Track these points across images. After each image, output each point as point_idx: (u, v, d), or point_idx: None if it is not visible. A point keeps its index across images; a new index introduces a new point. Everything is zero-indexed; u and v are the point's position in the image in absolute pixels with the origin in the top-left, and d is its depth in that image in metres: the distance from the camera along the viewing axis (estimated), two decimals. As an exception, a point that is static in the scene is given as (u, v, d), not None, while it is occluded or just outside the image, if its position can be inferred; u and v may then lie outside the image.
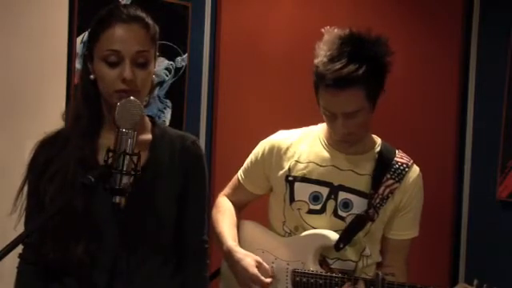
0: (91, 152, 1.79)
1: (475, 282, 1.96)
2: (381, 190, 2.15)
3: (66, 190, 1.72)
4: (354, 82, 1.99)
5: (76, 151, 1.77)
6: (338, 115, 2.04)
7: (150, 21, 1.79)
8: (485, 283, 1.95)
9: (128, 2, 2.96)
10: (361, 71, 1.97)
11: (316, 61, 2.04)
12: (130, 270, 1.79)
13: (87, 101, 1.80)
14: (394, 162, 2.19)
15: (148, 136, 1.86)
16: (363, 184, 2.17)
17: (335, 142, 2.19)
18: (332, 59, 1.99)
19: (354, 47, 2.00)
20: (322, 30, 2.10)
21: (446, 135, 3.73)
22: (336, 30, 2.08)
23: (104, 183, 1.61)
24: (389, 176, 2.16)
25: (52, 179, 1.77)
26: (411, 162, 2.22)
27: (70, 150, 1.78)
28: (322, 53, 2.03)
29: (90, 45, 1.78)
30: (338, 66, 1.97)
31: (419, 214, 2.25)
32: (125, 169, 1.61)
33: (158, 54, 1.83)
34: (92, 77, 1.78)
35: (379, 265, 2.24)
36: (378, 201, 2.14)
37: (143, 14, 1.79)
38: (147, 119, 1.89)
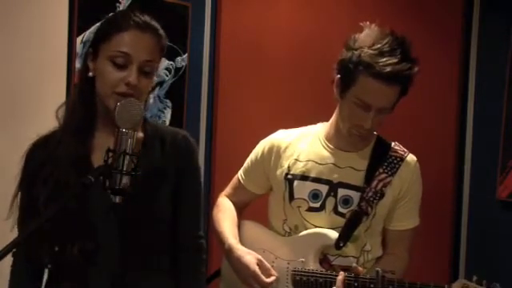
0: (84, 152, 1.79)
1: (474, 278, 1.96)
2: (373, 184, 2.16)
3: (60, 191, 1.72)
4: (402, 80, 2.04)
5: (68, 151, 1.77)
6: (372, 108, 2.05)
7: (162, 33, 1.80)
8: (484, 280, 1.95)
9: (128, 3, 2.96)
10: (413, 71, 2.05)
11: (356, 51, 2.04)
12: (128, 270, 1.79)
13: (82, 99, 1.80)
14: (388, 155, 2.20)
15: (139, 134, 1.85)
16: (360, 179, 2.18)
17: (337, 140, 2.19)
18: (382, 53, 2.01)
19: (403, 47, 2.05)
20: (361, 23, 2.12)
21: (445, 135, 3.74)
22: (377, 27, 2.10)
23: (104, 183, 1.62)
24: (381, 170, 2.18)
25: (45, 182, 1.76)
26: (406, 153, 2.23)
27: (62, 151, 1.77)
28: (365, 44, 2.04)
29: (96, 43, 1.77)
30: (393, 60, 2.00)
31: (419, 203, 2.27)
32: (125, 169, 1.61)
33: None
34: (91, 74, 1.78)
35: (380, 257, 2.25)
36: (370, 194, 2.15)
37: (158, 25, 1.80)
38: None
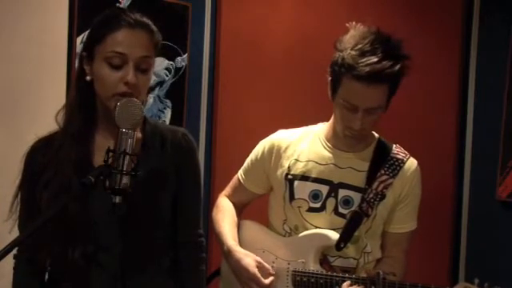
0: (85, 154, 1.79)
1: (476, 280, 1.96)
2: (374, 186, 2.16)
3: (62, 194, 1.71)
4: (385, 79, 2.01)
5: (70, 155, 1.77)
6: (360, 109, 2.04)
7: (154, 28, 1.80)
8: (486, 282, 1.95)
9: (128, 3, 2.96)
10: (395, 68, 2.01)
11: (341, 53, 2.04)
12: (129, 269, 1.79)
13: (81, 103, 1.79)
14: (389, 157, 2.20)
15: (138, 134, 1.85)
16: (361, 180, 2.17)
17: (337, 140, 2.19)
18: (363, 53, 2.00)
19: (386, 45, 2.02)
20: (347, 24, 2.11)
21: (446, 135, 3.73)
22: (362, 27, 2.08)
23: (104, 183, 1.61)
24: (383, 172, 2.17)
25: (47, 185, 1.76)
26: (407, 156, 2.23)
27: (64, 154, 1.77)
28: (348, 46, 2.03)
29: (91, 45, 1.77)
30: (373, 59, 1.98)
31: (418, 207, 2.27)
32: (125, 169, 1.61)
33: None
34: (88, 78, 1.77)
35: (378, 260, 2.25)
36: (371, 196, 2.15)
37: (149, 21, 1.80)
38: None
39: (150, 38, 1.78)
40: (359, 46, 2.01)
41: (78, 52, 2.78)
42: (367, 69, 1.97)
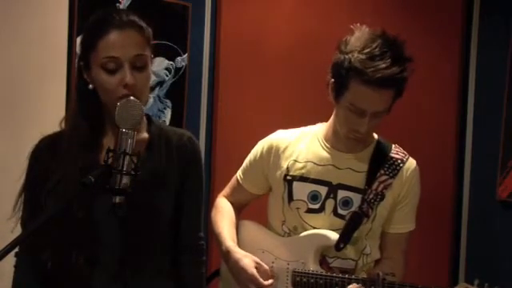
0: (93, 161, 1.78)
1: (476, 281, 1.96)
2: (374, 186, 2.15)
3: (67, 198, 1.72)
4: (395, 83, 2.02)
5: (77, 161, 1.76)
6: (367, 113, 2.04)
7: (143, 23, 1.79)
8: (486, 283, 1.95)
9: (128, 3, 2.96)
10: (405, 74, 2.02)
11: (347, 56, 2.03)
12: (129, 270, 1.79)
13: (87, 111, 1.79)
14: (388, 157, 2.20)
15: (144, 135, 1.85)
16: (361, 181, 2.17)
17: (336, 141, 2.19)
18: (372, 57, 1.99)
19: (394, 49, 2.02)
20: (351, 26, 2.10)
21: (446, 135, 3.73)
22: (367, 29, 2.08)
23: (104, 183, 1.61)
24: (383, 172, 2.17)
25: (53, 190, 1.76)
26: (407, 156, 2.23)
27: (71, 160, 1.76)
28: (355, 48, 2.02)
29: (85, 54, 1.76)
30: (382, 65, 1.98)
31: (416, 207, 2.27)
32: (125, 169, 1.61)
33: (152, 56, 1.82)
34: (91, 86, 1.77)
35: (377, 261, 2.25)
36: (371, 196, 2.15)
37: (136, 18, 1.78)
38: (144, 117, 1.89)
39: (140, 34, 1.76)
40: (367, 49, 2.00)
41: (78, 52, 2.80)
42: (378, 74, 1.97)
